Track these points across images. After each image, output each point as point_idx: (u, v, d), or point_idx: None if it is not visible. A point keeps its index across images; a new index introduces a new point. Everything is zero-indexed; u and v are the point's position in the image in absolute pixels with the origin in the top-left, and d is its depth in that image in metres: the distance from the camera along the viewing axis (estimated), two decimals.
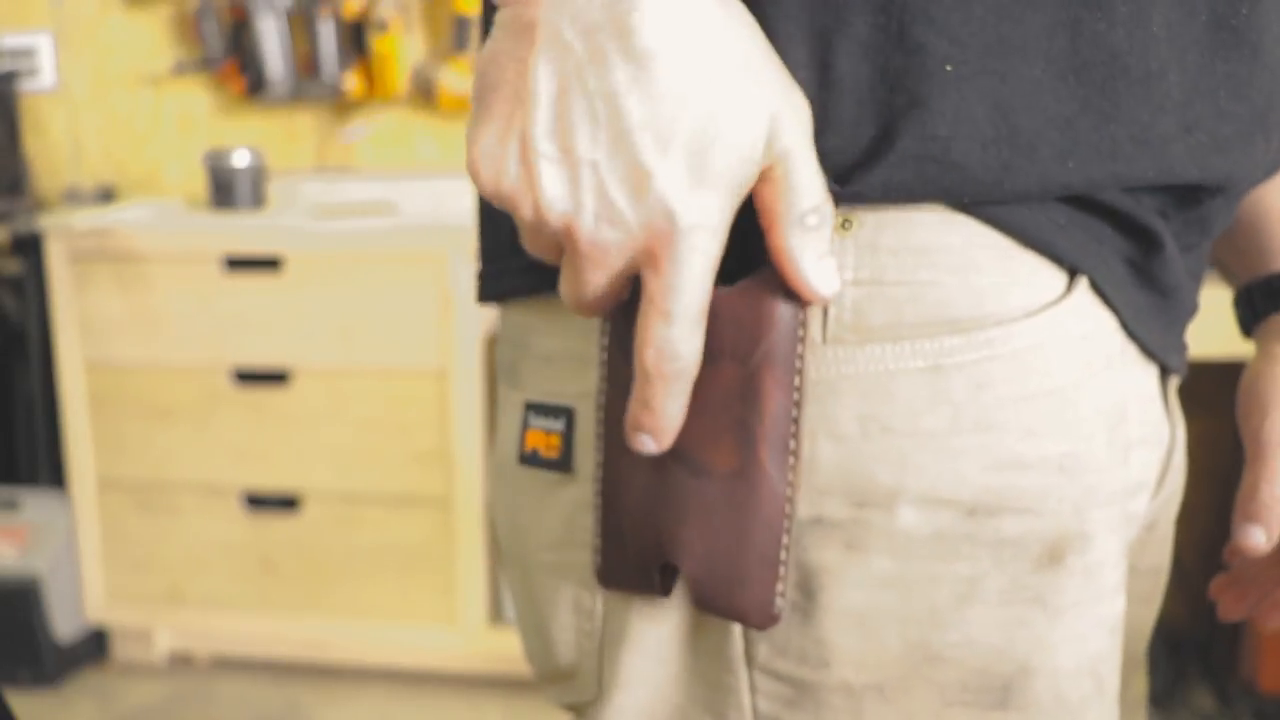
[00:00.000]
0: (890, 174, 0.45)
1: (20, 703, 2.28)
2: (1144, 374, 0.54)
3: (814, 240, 0.43)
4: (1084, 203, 0.48)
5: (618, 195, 0.40)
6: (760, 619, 0.46)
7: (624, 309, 0.47)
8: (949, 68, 0.44)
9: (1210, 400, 2.13)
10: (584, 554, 0.51)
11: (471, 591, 2.27)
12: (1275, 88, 0.50)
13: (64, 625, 2.40)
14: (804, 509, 0.46)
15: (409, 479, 2.26)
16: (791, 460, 0.45)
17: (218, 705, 2.32)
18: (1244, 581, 0.66)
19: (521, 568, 0.56)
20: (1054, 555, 0.47)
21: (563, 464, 0.52)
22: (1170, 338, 0.55)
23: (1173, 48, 0.46)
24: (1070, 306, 0.48)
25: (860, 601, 0.46)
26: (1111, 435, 0.49)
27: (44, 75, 2.79)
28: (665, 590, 0.48)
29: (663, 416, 0.43)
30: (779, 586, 0.45)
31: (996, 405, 0.46)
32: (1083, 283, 0.48)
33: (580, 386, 0.51)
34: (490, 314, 2.26)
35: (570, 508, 0.52)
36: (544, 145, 0.41)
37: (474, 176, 0.43)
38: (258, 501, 2.34)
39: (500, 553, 0.58)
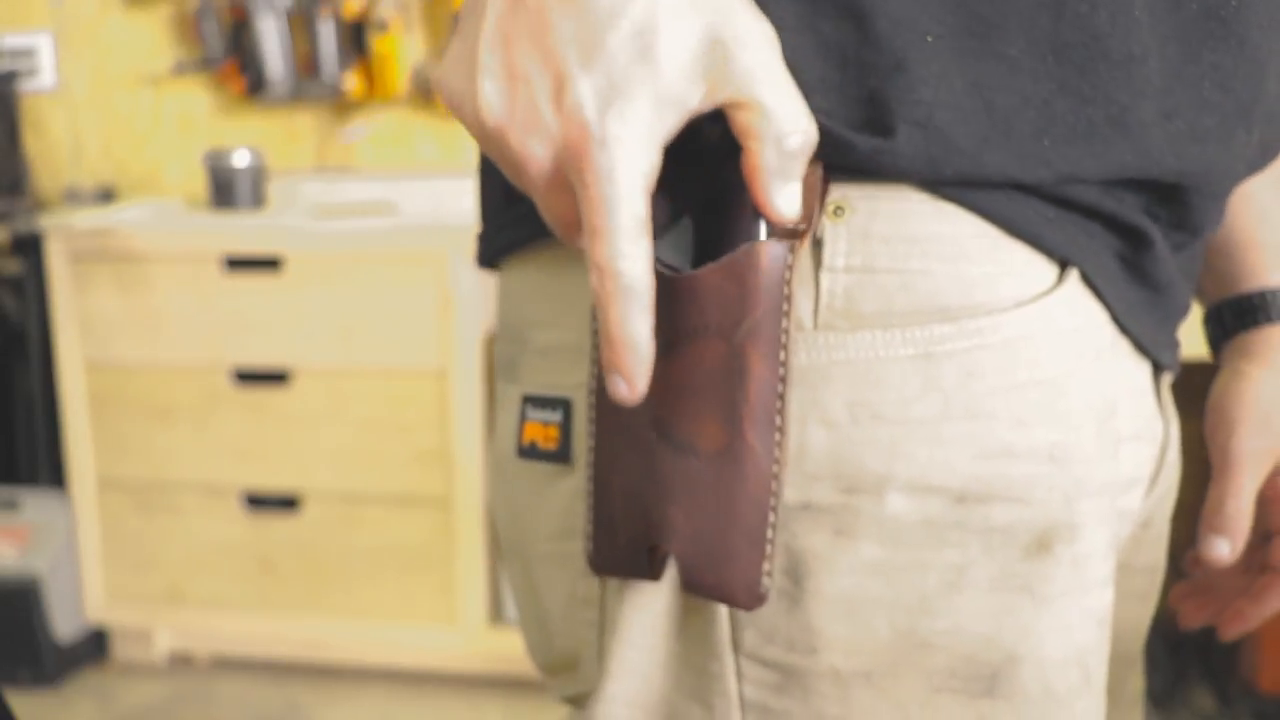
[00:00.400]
0: (877, 139, 0.45)
1: (20, 703, 2.28)
2: (1136, 369, 0.54)
3: (789, 163, 0.43)
4: (1069, 203, 0.48)
5: (543, 107, 0.41)
6: (747, 599, 0.45)
7: None
8: (929, 39, 0.44)
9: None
10: (584, 543, 0.51)
11: (471, 591, 2.27)
12: (1260, 80, 0.51)
13: (64, 625, 2.40)
14: (793, 495, 0.46)
15: (409, 479, 2.26)
16: (778, 437, 0.45)
17: (218, 705, 2.32)
18: (1205, 591, 0.67)
19: (522, 561, 0.56)
20: (1042, 544, 0.47)
21: (561, 455, 0.52)
22: (1162, 334, 0.55)
23: (1156, 34, 0.47)
24: (1061, 298, 0.48)
25: (849, 588, 0.47)
26: (1101, 428, 0.49)
27: (44, 75, 2.79)
28: (656, 575, 0.48)
29: (625, 347, 0.42)
30: (765, 566, 0.45)
31: (986, 394, 0.46)
32: (1073, 275, 0.48)
33: (577, 378, 0.51)
34: (490, 314, 2.26)
35: (569, 498, 0.52)
36: (486, 59, 0.42)
37: (436, 88, 0.44)
38: (258, 501, 2.34)
39: (500, 548, 0.60)
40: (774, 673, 0.48)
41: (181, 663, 2.48)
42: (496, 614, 2.32)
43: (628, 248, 0.41)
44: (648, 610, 0.49)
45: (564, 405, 0.52)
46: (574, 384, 0.52)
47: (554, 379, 0.53)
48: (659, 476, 0.46)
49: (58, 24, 2.77)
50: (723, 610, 0.48)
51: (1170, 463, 0.59)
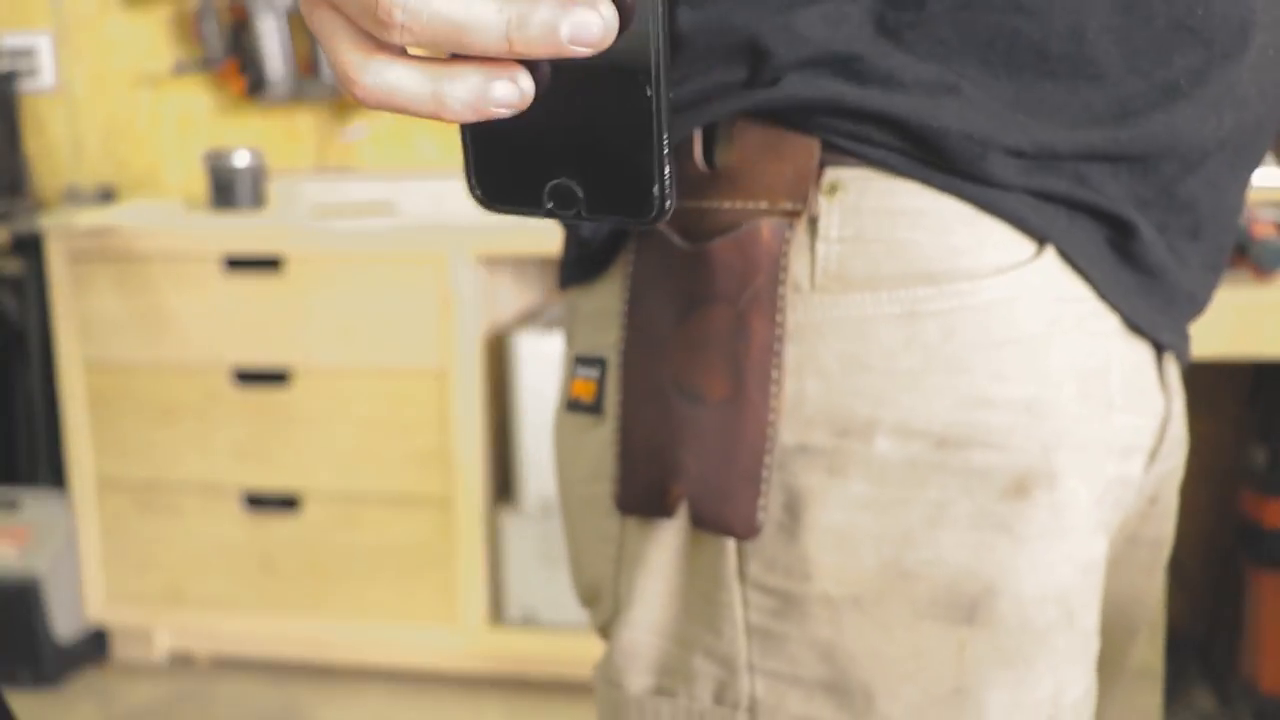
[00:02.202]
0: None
1: (20, 703, 2.28)
2: (1128, 345, 0.56)
3: None
4: (1047, 196, 0.52)
5: None
6: (744, 529, 0.52)
7: (643, 251, 0.53)
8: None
9: (1210, 400, 2.13)
10: (608, 486, 0.57)
11: (471, 591, 2.27)
12: (1233, 76, 0.54)
13: (64, 625, 2.40)
14: (792, 438, 0.51)
15: (409, 479, 2.26)
16: (774, 389, 0.51)
17: (218, 705, 2.32)
18: None
19: (567, 503, 0.62)
20: (1020, 488, 0.51)
21: (595, 407, 0.58)
22: (1162, 317, 0.57)
23: (1123, 50, 0.50)
24: (1038, 268, 0.52)
25: (840, 521, 0.51)
26: (1085, 389, 0.53)
27: (44, 75, 2.79)
28: (670, 512, 0.53)
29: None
30: (760, 501, 0.51)
31: (966, 349, 0.51)
32: (1049, 250, 0.52)
33: (611, 339, 0.57)
34: (490, 314, 2.27)
35: (600, 446, 0.57)
36: None
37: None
38: (258, 501, 2.34)
39: (557, 495, 0.66)
40: (774, 599, 0.52)
41: (181, 663, 2.48)
42: (496, 614, 2.32)
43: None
44: (666, 546, 0.54)
45: (600, 364, 0.58)
46: (608, 344, 0.57)
47: (595, 340, 0.58)
48: (673, 424, 0.52)
49: (58, 24, 2.77)
50: (730, 545, 0.53)
51: (1173, 438, 0.61)
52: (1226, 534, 2.14)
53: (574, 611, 2.26)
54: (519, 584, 2.28)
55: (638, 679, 0.55)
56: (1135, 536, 0.62)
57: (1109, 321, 0.55)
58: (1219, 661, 2.14)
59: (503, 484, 2.34)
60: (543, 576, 2.27)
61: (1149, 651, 0.69)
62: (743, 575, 0.53)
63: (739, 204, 0.52)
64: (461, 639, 2.29)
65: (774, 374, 0.51)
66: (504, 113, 0.35)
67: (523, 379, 2.22)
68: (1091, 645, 0.55)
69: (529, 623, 2.28)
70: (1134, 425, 0.57)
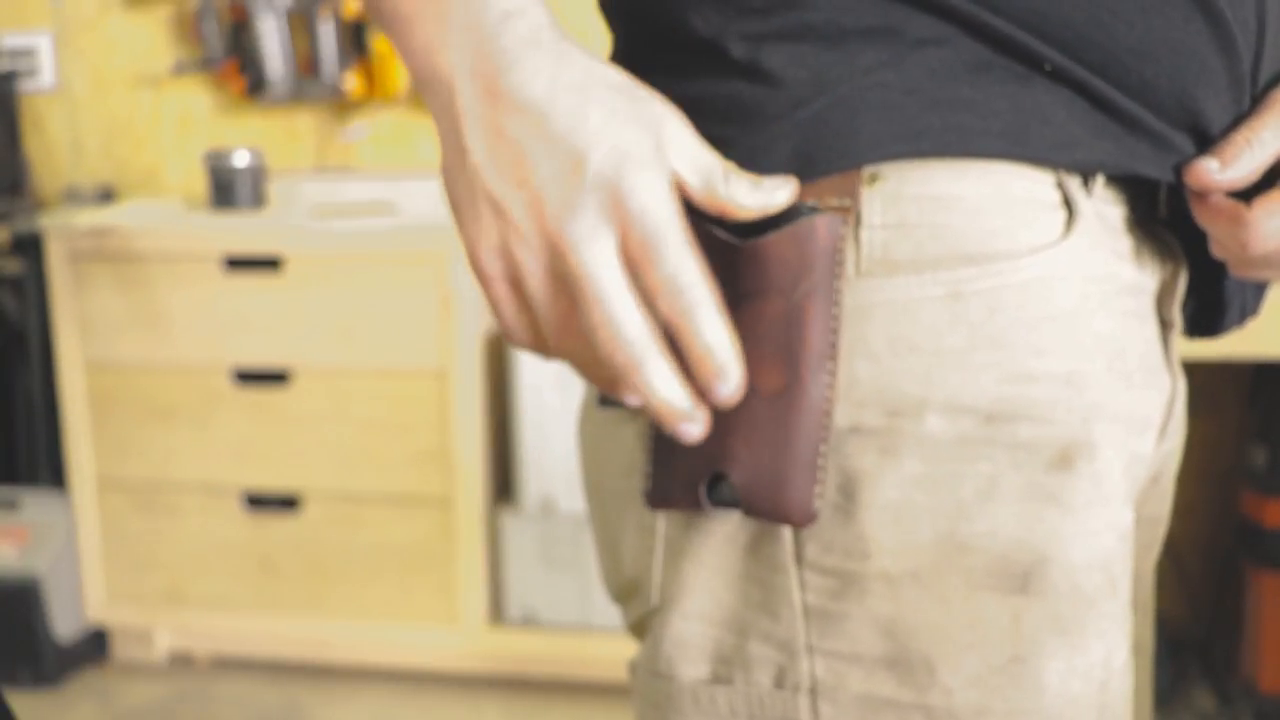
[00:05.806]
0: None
1: (20, 703, 2.28)
2: (1142, 326, 0.58)
3: (738, 184, 0.50)
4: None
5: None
6: (801, 517, 0.52)
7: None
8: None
9: (1210, 400, 2.13)
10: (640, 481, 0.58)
11: (471, 591, 2.27)
12: (1202, 94, 0.55)
13: (64, 625, 2.40)
14: (844, 420, 0.53)
15: (409, 479, 2.26)
16: (829, 379, 0.51)
17: (218, 705, 2.32)
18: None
19: (598, 497, 0.63)
20: (1065, 459, 0.53)
21: None
22: (1163, 270, 0.60)
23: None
24: (1068, 248, 0.54)
25: (895, 499, 0.52)
26: (1111, 364, 0.55)
27: (44, 75, 2.79)
28: (703, 508, 0.54)
29: (709, 355, 0.47)
30: (817, 489, 0.52)
31: (1008, 326, 0.53)
32: (1078, 225, 0.54)
33: None
34: (490, 314, 2.26)
35: (636, 439, 0.58)
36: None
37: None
38: (258, 501, 2.34)
39: (584, 490, 0.68)
40: (833, 579, 0.53)
41: (181, 663, 2.48)
42: (496, 614, 2.32)
43: (682, 259, 0.47)
44: (715, 535, 0.55)
45: None
46: None
47: None
48: (722, 418, 0.52)
49: (58, 24, 2.77)
50: (785, 530, 0.54)
51: (1177, 416, 0.63)
52: (1226, 534, 2.14)
53: (574, 611, 2.26)
54: (519, 584, 2.28)
55: (691, 668, 0.56)
56: (1137, 515, 0.63)
57: (1128, 301, 0.57)
58: (1219, 661, 2.14)
59: (503, 484, 2.34)
60: (543, 576, 2.27)
61: (1142, 627, 0.70)
62: (799, 558, 0.54)
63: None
64: (461, 639, 2.29)
65: (829, 365, 0.51)
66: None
67: (523, 379, 2.22)
68: (1130, 614, 0.57)
69: (529, 623, 2.28)
70: (1148, 402, 0.58)
